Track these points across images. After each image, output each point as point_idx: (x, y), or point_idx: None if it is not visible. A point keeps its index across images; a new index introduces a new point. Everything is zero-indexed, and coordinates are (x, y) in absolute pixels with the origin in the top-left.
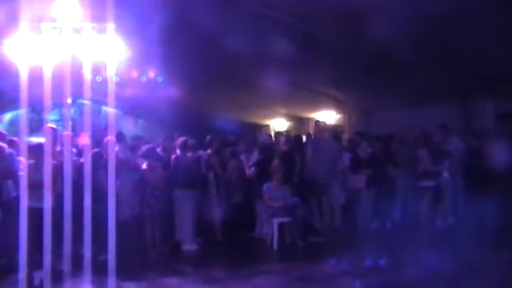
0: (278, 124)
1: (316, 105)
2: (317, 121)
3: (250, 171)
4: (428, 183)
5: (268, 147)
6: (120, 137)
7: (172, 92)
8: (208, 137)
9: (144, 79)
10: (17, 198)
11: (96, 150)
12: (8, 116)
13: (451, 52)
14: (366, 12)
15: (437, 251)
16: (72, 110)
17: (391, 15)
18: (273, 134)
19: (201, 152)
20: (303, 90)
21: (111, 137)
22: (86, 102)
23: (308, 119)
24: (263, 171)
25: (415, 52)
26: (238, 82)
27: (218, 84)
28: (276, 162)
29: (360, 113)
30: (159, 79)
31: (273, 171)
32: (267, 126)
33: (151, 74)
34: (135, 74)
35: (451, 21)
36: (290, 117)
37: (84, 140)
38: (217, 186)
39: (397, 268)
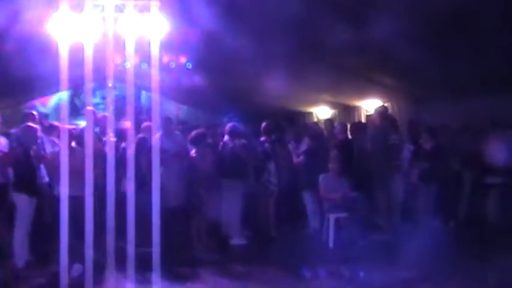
0: (321, 112)
1: (363, 92)
2: (379, 108)
3: (298, 159)
4: (496, 179)
5: (319, 135)
6: (167, 122)
7: (208, 78)
8: (264, 123)
9: (173, 65)
10: (49, 185)
11: (141, 135)
12: (53, 100)
13: (505, 40)
14: None
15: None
16: (113, 93)
17: None
18: (318, 122)
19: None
20: (350, 75)
21: (149, 123)
22: (128, 85)
23: (353, 107)
24: (313, 160)
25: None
26: (280, 67)
27: (260, 69)
28: (333, 151)
29: (409, 102)
30: (189, 65)
31: (330, 161)
32: (310, 114)
33: (182, 59)
34: (165, 59)
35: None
36: (334, 104)
37: (127, 124)
38: (279, 176)
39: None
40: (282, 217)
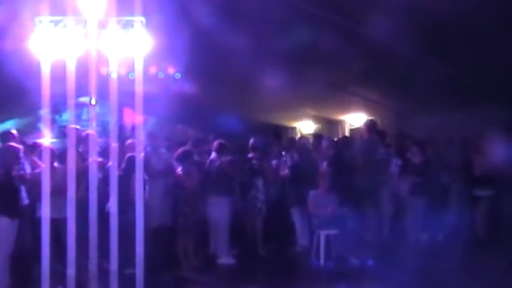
0: (305, 126)
1: (346, 106)
2: (368, 121)
3: (284, 172)
4: (485, 192)
5: (308, 149)
6: (152, 138)
7: (194, 90)
8: (252, 140)
9: (161, 75)
10: (30, 207)
11: (130, 154)
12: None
13: (492, 53)
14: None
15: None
16: (96, 110)
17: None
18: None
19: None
20: (333, 90)
21: (133, 140)
22: (112, 102)
23: (337, 122)
24: (301, 175)
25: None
26: (263, 81)
27: (243, 84)
28: (322, 167)
29: (393, 116)
30: (177, 76)
31: (319, 177)
32: (293, 128)
33: (171, 70)
34: (153, 70)
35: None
36: (318, 119)
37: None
38: (267, 193)
39: None
40: (270, 234)
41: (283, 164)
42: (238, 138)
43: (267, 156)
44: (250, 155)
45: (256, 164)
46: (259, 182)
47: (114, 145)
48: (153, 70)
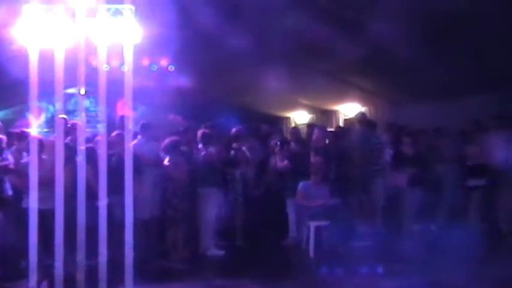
0: (299, 116)
1: (340, 96)
2: (359, 113)
3: (283, 164)
4: (478, 181)
5: (304, 140)
6: (144, 128)
7: (187, 81)
8: (235, 129)
9: (154, 68)
10: (14, 198)
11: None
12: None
13: (484, 42)
14: None
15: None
16: (86, 101)
17: None
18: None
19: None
20: (327, 80)
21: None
22: (101, 92)
23: (332, 112)
24: (298, 166)
25: (446, 41)
26: (257, 72)
27: (237, 74)
28: (316, 158)
29: (387, 106)
30: (171, 68)
31: (312, 168)
32: (288, 118)
33: (164, 62)
34: (146, 62)
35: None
36: (312, 109)
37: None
38: (244, 184)
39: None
40: (264, 226)
41: (280, 155)
42: (231, 128)
43: (253, 146)
44: (234, 145)
45: (234, 154)
46: (246, 172)
47: (100, 138)
48: (146, 62)
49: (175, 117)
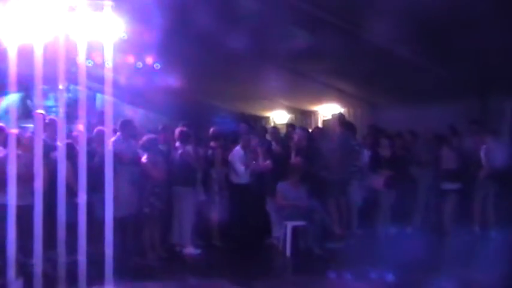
0: (278, 116)
1: (319, 97)
2: (338, 114)
3: (265, 163)
4: (453, 185)
5: (284, 140)
6: (124, 125)
7: (171, 80)
8: (212, 129)
9: (140, 65)
10: None
11: (68, 141)
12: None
13: (468, 47)
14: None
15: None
16: (66, 96)
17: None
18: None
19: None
20: (307, 81)
21: (103, 127)
22: (81, 88)
23: (311, 112)
24: (278, 165)
25: (429, 44)
26: (237, 71)
27: (217, 73)
28: (296, 159)
29: (366, 108)
30: (157, 66)
31: (290, 168)
32: (267, 118)
33: (149, 60)
34: (131, 59)
35: (470, 15)
36: (291, 109)
37: (80, 128)
38: (219, 184)
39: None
40: (243, 225)
41: (262, 154)
42: (210, 127)
43: (227, 146)
44: (211, 144)
45: (211, 153)
46: (214, 172)
47: (76, 133)
48: (131, 60)
49: (157, 115)
